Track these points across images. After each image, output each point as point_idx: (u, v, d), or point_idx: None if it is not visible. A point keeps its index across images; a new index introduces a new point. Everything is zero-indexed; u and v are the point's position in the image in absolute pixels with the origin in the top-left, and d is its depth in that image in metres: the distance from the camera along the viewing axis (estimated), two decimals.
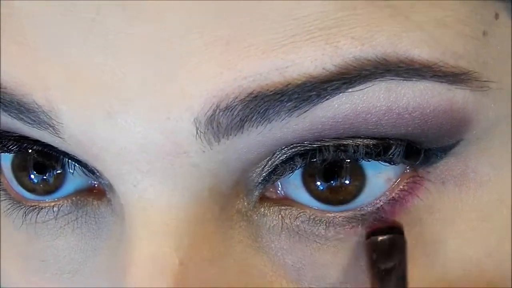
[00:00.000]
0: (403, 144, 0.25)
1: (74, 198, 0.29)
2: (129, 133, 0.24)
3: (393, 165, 0.26)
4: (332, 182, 0.26)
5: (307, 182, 0.26)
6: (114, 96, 0.23)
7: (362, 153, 0.25)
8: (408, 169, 0.26)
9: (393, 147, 0.25)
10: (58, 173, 0.29)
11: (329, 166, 0.26)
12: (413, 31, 0.23)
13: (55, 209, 0.29)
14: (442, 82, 0.24)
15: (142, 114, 0.23)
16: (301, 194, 0.26)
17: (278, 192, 0.27)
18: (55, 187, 0.29)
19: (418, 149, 0.25)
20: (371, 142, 0.25)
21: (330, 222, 0.26)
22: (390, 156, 0.25)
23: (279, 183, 0.26)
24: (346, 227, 0.26)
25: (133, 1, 0.23)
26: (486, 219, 0.27)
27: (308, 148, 0.25)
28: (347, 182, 0.26)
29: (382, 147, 0.25)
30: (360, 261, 0.26)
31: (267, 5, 0.22)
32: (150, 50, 0.23)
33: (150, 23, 0.23)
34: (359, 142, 0.25)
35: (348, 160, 0.26)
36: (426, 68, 0.23)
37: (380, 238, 0.25)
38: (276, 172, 0.26)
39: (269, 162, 0.25)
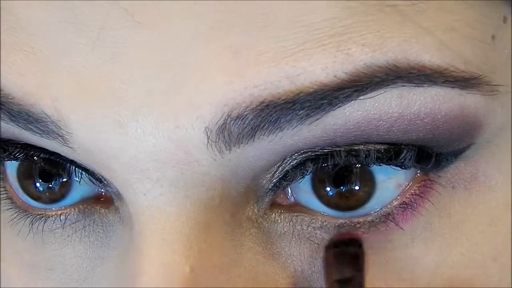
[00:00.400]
0: (414, 149, 0.25)
1: (81, 206, 0.29)
2: (139, 141, 0.23)
3: (405, 169, 0.26)
4: (342, 187, 0.26)
5: (317, 187, 0.26)
6: (123, 105, 0.23)
7: (374, 157, 0.25)
8: (419, 173, 0.26)
9: (404, 152, 0.25)
10: (64, 181, 0.28)
11: (339, 172, 0.26)
12: (423, 37, 0.23)
13: (62, 217, 0.29)
14: (453, 87, 0.24)
15: (152, 123, 0.23)
16: (311, 200, 0.26)
17: (288, 198, 0.26)
18: (61, 195, 0.29)
19: (429, 153, 0.25)
20: (382, 147, 0.25)
21: (341, 228, 0.26)
22: (402, 161, 0.25)
23: (289, 189, 0.26)
24: (358, 233, 0.26)
25: (141, 10, 0.23)
26: (494, 223, 0.27)
27: (319, 153, 0.25)
28: (357, 187, 0.26)
29: (393, 151, 0.25)
30: (371, 267, 0.26)
31: (275, 13, 0.22)
32: (158, 59, 0.23)
33: (158, 32, 0.23)
34: (370, 147, 0.25)
35: (359, 165, 0.26)
36: (437, 73, 0.23)
37: (335, 249, 0.25)
38: (287, 178, 0.26)
39: (280, 168, 0.25)
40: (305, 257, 0.26)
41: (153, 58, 0.23)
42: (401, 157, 0.25)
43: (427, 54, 0.23)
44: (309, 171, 0.25)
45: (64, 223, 0.29)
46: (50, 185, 0.29)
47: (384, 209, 0.26)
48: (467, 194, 0.27)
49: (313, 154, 0.25)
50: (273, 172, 0.25)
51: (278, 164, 0.25)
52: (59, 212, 0.29)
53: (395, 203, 0.26)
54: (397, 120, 0.24)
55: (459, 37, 0.23)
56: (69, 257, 0.29)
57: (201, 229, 0.25)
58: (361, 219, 0.26)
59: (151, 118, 0.23)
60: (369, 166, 0.26)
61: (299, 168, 0.25)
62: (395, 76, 0.23)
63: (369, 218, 0.26)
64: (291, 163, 0.25)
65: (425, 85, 0.23)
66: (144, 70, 0.23)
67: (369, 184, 0.26)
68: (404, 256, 0.26)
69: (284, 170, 0.25)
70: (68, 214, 0.28)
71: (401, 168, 0.25)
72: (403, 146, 0.25)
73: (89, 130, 0.24)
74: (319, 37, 0.22)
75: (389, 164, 0.25)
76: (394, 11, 0.23)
